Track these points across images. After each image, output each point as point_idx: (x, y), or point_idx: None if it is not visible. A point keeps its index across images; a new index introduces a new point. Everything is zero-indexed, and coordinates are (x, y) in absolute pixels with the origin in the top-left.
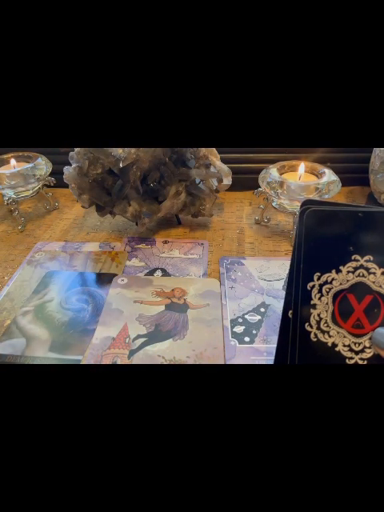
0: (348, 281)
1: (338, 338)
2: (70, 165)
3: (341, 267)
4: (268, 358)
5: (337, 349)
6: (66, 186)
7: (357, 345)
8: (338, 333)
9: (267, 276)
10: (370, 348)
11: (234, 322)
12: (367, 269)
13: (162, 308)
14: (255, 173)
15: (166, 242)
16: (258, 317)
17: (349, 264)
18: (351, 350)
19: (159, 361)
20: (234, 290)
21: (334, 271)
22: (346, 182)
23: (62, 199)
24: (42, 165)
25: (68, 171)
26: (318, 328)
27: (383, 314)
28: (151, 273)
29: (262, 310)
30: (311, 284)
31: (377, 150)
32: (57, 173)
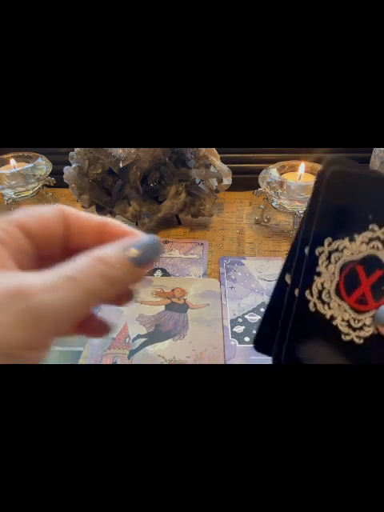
0: (360, 252)
1: (338, 312)
2: (70, 165)
3: (356, 236)
4: (268, 358)
5: (334, 322)
6: (66, 186)
7: (356, 321)
8: (338, 306)
9: (267, 276)
10: (369, 326)
11: (234, 322)
12: (383, 241)
13: (162, 308)
14: (255, 173)
15: (166, 242)
16: (258, 317)
17: (364, 233)
18: (349, 326)
19: (159, 361)
20: (233, 290)
21: (347, 239)
22: None
23: (62, 199)
24: (42, 165)
25: (68, 171)
26: (319, 298)
27: None
28: (151, 273)
29: (262, 309)
30: (320, 249)
31: (377, 150)
32: (57, 173)
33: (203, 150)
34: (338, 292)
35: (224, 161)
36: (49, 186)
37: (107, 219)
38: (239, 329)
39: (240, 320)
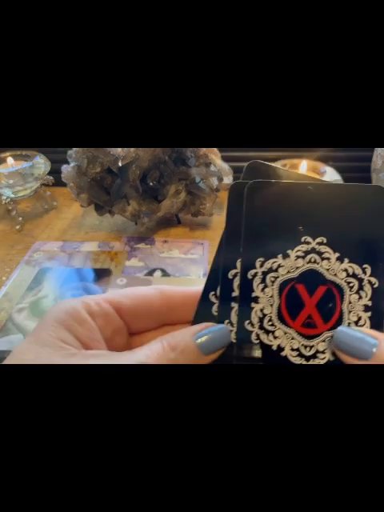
0: (297, 268)
1: (285, 340)
2: (69, 164)
3: (289, 251)
4: None
5: (283, 353)
6: (64, 185)
7: (308, 349)
8: (285, 333)
9: None
10: (323, 353)
11: None
12: (320, 253)
13: None
14: None
15: (165, 242)
16: None
17: (298, 247)
18: (301, 355)
19: None
20: None
21: (280, 256)
22: (348, 180)
23: (61, 198)
24: (41, 164)
25: (66, 170)
26: (261, 327)
27: (339, 310)
28: (151, 273)
29: None
30: (253, 272)
31: (379, 149)
32: (55, 172)
33: (203, 148)
34: (280, 317)
35: (225, 159)
36: (47, 185)
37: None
38: None
39: None
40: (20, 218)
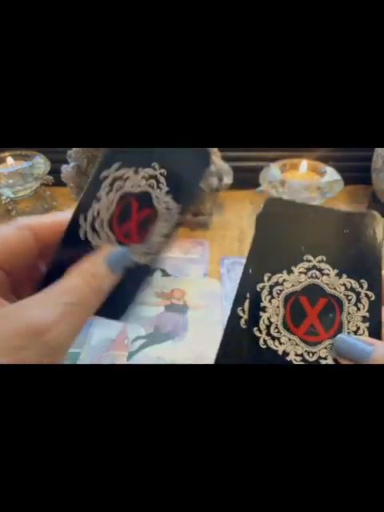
0: (300, 282)
1: (290, 346)
2: (69, 163)
3: (292, 268)
4: None
5: (288, 358)
6: (64, 184)
7: (311, 354)
8: (289, 340)
9: None
10: (325, 359)
11: None
12: (320, 269)
13: (162, 309)
14: (256, 171)
15: None
16: None
17: (301, 264)
18: (304, 360)
19: (159, 362)
20: (234, 290)
21: (285, 272)
22: (349, 180)
23: (61, 198)
24: (40, 163)
25: (66, 170)
26: (268, 333)
27: (339, 320)
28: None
29: None
30: (261, 285)
31: (379, 149)
32: (55, 171)
33: None
34: (285, 325)
35: (225, 159)
36: (47, 185)
37: (64, 214)
38: None
39: None
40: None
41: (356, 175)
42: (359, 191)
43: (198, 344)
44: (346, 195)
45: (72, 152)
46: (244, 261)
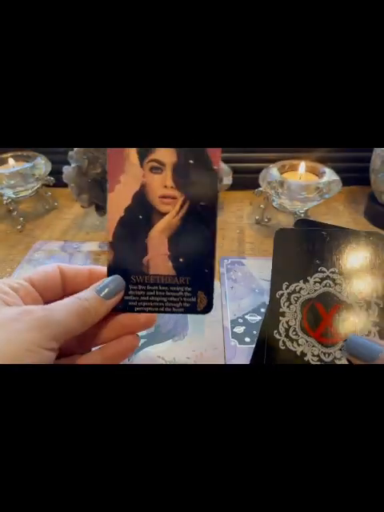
0: (315, 290)
1: (307, 347)
2: (69, 164)
3: (308, 278)
4: None
5: (306, 358)
6: (65, 185)
7: (326, 355)
8: (306, 341)
9: (268, 276)
10: (340, 359)
11: (234, 323)
12: (333, 279)
13: None
14: (256, 172)
15: None
16: (259, 317)
17: (316, 275)
18: (321, 360)
19: (159, 362)
20: (234, 291)
21: (301, 281)
22: (347, 181)
23: (61, 199)
24: (41, 164)
25: (67, 170)
26: (287, 336)
27: (352, 324)
28: None
29: (263, 310)
30: (280, 292)
31: (378, 149)
32: (56, 172)
33: None
34: (303, 328)
35: (224, 160)
36: (48, 186)
37: (91, 266)
38: (239, 329)
39: (240, 320)
40: (21, 219)
41: (354, 176)
42: (357, 192)
43: (198, 344)
44: (345, 196)
45: (73, 153)
46: (245, 261)
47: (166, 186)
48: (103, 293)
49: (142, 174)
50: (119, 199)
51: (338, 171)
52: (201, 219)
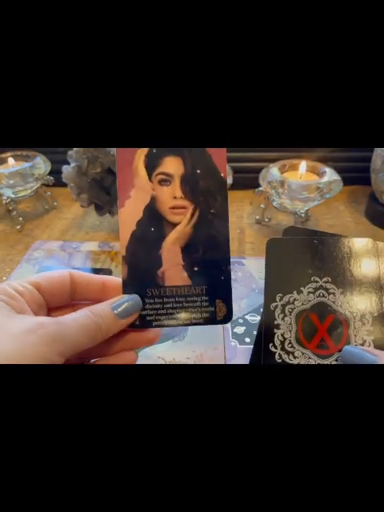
0: (309, 301)
1: (304, 359)
2: (69, 164)
3: (301, 288)
4: None
5: None
6: (64, 185)
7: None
8: (302, 354)
9: None
10: None
11: (234, 323)
12: (326, 289)
13: None
14: (256, 172)
15: None
16: (259, 317)
17: (309, 285)
18: None
19: (159, 362)
20: (234, 291)
21: (295, 292)
22: (348, 181)
23: (61, 199)
24: (41, 164)
25: (67, 170)
26: (283, 349)
27: (347, 334)
28: None
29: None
30: (274, 304)
31: (378, 149)
32: (55, 172)
33: None
34: (298, 340)
35: None
36: (47, 186)
37: (106, 277)
38: (240, 329)
39: (240, 321)
40: (20, 218)
41: (355, 175)
42: (358, 192)
43: (198, 344)
44: (346, 195)
45: (72, 152)
46: (246, 261)
47: (175, 197)
48: (118, 310)
49: (151, 187)
50: (130, 214)
51: (338, 171)
52: (212, 226)
